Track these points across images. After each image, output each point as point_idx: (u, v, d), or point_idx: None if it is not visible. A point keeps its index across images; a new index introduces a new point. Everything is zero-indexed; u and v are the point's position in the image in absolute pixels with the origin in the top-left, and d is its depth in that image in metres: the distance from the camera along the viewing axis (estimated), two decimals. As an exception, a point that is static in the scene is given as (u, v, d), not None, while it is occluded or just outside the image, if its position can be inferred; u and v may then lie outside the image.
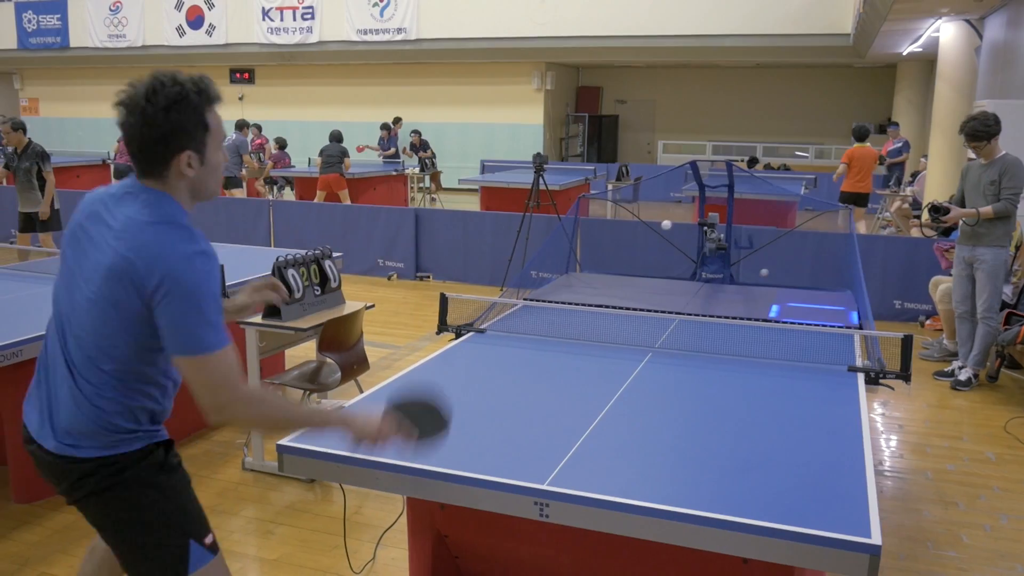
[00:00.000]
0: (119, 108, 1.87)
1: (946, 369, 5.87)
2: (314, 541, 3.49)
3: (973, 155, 5.59)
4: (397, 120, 16.26)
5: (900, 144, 13.23)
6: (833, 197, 11.79)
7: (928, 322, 7.18)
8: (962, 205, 5.78)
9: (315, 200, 11.47)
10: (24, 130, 7.77)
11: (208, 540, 2.00)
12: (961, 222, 5.56)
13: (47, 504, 3.75)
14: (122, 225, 1.85)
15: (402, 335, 6.76)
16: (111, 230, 1.86)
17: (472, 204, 12.75)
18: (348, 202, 11.54)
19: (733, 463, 2.29)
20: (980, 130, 5.35)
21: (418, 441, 2.01)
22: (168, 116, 1.83)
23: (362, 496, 3.85)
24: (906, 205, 11.98)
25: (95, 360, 1.87)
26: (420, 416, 2.00)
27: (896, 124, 14.01)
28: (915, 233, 8.97)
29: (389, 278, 8.94)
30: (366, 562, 3.30)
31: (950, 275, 6.19)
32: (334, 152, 11.76)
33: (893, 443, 4.71)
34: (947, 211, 5.46)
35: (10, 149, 7.86)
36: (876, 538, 1.89)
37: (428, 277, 8.95)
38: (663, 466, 2.30)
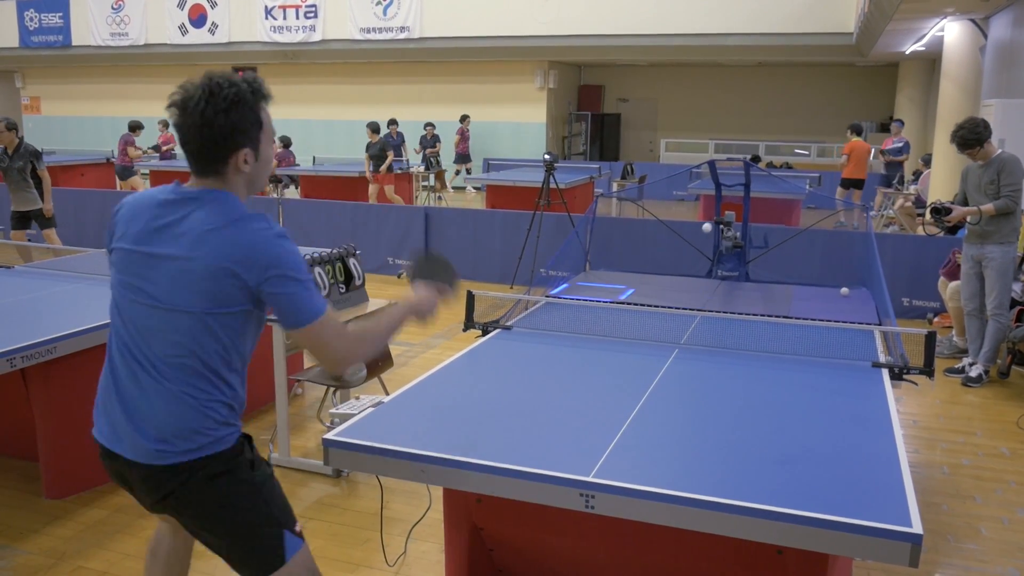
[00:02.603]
0: (174, 110, 1.93)
1: (956, 366, 5.93)
2: (345, 535, 3.54)
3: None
4: (464, 117, 16.39)
5: (901, 144, 13.28)
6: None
7: (936, 319, 7.24)
8: (964, 205, 5.86)
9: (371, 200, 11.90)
10: (16, 130, 7.83)
11: (297, 528, 2.10)
12: (967, 220, 5.64)
13: (78, 499, 3.80)
14: (201, 232, 1.91)
15: (416, 332, 6.80)
16: (186, 237, 1.92)
17: (476, 202, 12.79)
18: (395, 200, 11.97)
19: (771, 456, 2.35)
20: (970, 138, 5.50)
21: (451, 288, 2.35)
22: (228, 116, 1.91)
23: (388, 491, 3.90)
24: (909, 204, 12.06)
25: (187, 359, 1.93)
26: (437, 271, 2.31)
27: (900, 121, 14.06)
28: (921, 231, 9.03)
29: (399, 276, 8.99)
30: (398, 555, 3.36)
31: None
32: (375, 152, 12.14)
33: (908, 438, 4.77)
34: (949, 211, 5.57)
35: (0, 149, 7.91)
36: (917, 527, 1.95)
37: (438, 275, 8.99)
38: (702, 458, 2.35)
